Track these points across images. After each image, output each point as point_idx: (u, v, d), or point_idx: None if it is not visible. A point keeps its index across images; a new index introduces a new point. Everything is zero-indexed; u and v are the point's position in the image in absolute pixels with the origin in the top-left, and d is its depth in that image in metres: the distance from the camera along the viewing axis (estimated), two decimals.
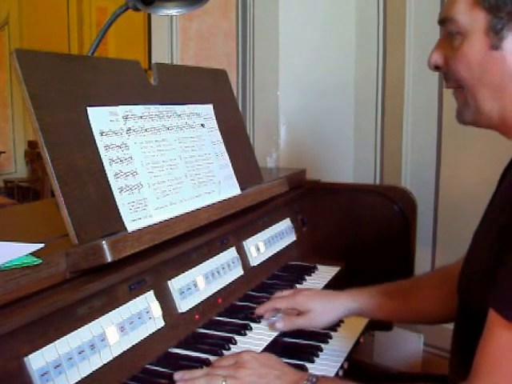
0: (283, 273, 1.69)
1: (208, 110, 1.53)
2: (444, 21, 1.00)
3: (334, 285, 1.70)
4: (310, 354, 1.28)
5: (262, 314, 1.35)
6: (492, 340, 0.86)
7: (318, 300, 1.34)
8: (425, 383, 1.16)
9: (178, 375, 1.04)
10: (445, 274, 1.32)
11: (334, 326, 1.41)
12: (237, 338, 1.24)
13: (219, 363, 1.08)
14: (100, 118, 1.16)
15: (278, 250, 1.71)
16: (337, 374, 1.23)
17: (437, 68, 1.05)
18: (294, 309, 1.34)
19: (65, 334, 0.92)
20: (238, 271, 1.47)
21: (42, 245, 0.98)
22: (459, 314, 1.09)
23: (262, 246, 1.62)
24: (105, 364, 0.98)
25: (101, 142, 1.14)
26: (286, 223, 1.81)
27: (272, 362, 1.08)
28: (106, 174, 1.12)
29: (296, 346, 1.33)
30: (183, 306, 1.23)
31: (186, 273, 1.27)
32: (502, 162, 1.14)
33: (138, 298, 1.10)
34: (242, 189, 1.54)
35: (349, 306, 1.32)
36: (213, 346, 1.20)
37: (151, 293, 1.14)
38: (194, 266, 1.30)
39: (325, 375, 1.14)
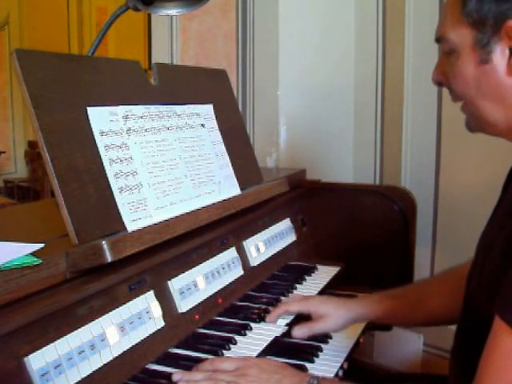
0: (283, 273, 1.69)
1: (208, 110, 1.53)
2: (438, 40, 1.02)
3: (333, 285, 1.70)
4: (310, 354, 1.28)
5: (274, 321, 1.35)
6: (496, 347, 0.85)
7: (330, 304, 1.35)
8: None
9: (176, 376, 1.04)
10: (454, 275, 1.32)
11: None
12: (237, 338, 1.24)
13: (219, 365, 1.08)
14: (100, 117, 1.16)
15: (277, 250, 1.71)
16: (336, 374, 1.23)
17: (440, 84, 1.07)
18: (307, 312, 1.35)
19: (65, 334, 0.92)
20: (238, 271, 1.47)
21: (42, 245, 0.98)
22: (463, 318, 1.09)
23: (262, 246, 1.62)
24: (105, 364, 0.98)
25: (101, 142, 1.14)
26: (286, 223, 1.81)
27: (272, 367, 1.08)
28: (106, 174, 1.12)
29: (296, 346, 1.33)
30: (183, 305, 1.23)
31: (186, 273, 1.27)
32: (501, 162, 1.14)
33: (137, 298, 1.10)
34: (242, 189, 1.54)
35: (359, 312, 1.34)
36: (213, 346, 1.20)
37: (151, 293, 1.14)
38: (194, 266, 1.30)
39: (325, 376, 1.14)
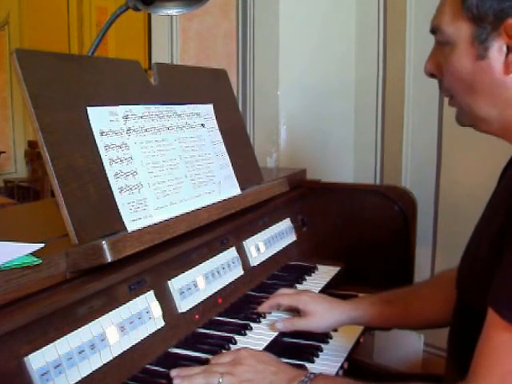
0: (283, 273, 1.69)
1: (208, 110, 1.53)
2: (434, 30, 1.01)
3: (333, 285, 1.70)
4: (310, 354, 1.28)
5: (266, 312, 1.36)
6: (490, 340, 0.86)
7: (320, 303, 1.34)
8: (424, 383, 1.17)
9: (174, 372, 1.05)
10: (446, 278, 1.31)
11: None
12: (237, 338, 1.24)
13: (217, 360, 1.09)
14: (100, 117, 1.16)
15: (277, 250, 1.71)
16: (337, 374, 1.23)
17: (433, 75, 1.06)
18: (296, 307, 1.35)
19: (65, 334, 0.92)
20: (238, 271, 1.47)
21: (41, 245, 0.98)
22: (457, 311, 1.09)
23: (262, 245, 1.62)
24: (105, 364, 0.98)
25: (101, 142, 1.14)
26: (286, 223, 1.81)
27: (269, 359, 1.09)
28: (106, 174, 1.12)
29: (296, 346, 1.33)
30: (183, 306, 1.23)
31: (186, 273, 1.27)
32: (501, 162, 1.14)
33: (137, 298, 1.10)
34: (242, 189, 1.54)
35: (350, 314, 1.33)
36: (213, 345, 1.20)
37: (151, 293, 1.14)
38: (194, 266, 1.30)
39: (322, 373, 1.14)
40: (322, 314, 1.32)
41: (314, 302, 1.34)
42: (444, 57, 0.99)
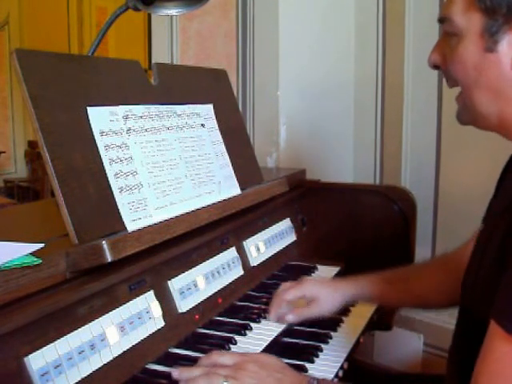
0: (283, 273, 1.69)
1: (208, 110, 1.53)
2: (442, 20, 0.99)
3: None
4: (310, 354, 1.28)
5: (275, 316, 1.36)
6: (492, 352, 0.84)
7: (323, 287, 1.38)
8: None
9: (175, 372, 1.04)
10: (445, 259, 1.35)
11: (334, 326, 1.42)
12: (237, 338, 1.24)
13: (217, 359, 1.07)
14: (100, 117, 1.16)
15: (278, 250, 1.71)
16: (337, 374, 1.23)
17: (436, 67, 1.04)
18: (303, 296, 1.37)
19: (65, 334, 0.92)
20: (238, 271, 1.47)
21: (41, 245, 0.98)
22: (460, 321, 1.08)
23: (262, 245, 1.62)
24: (105, 364, 0.98)
25: (101, 142, 1.14)
26: (286, 223, 1.81)
27: (273, 365, 1.06)
28: (106, 174, 1.12)
29: (296, 346, 1.33)
30: (183, 305, 1.23)
31: (186, 273, 1.27)
32: (501, 161, 1.14)
33: (137, 298, 1.10)
34: (242, 189, 1.54)
35: (353, 292, 1.38)
36: (213, 346, 1.20)
37: (151, 293, 1.14)
38: (193, 266, 1.30)
39: (325, 378, 1.14)
40: (327, 297, 1.36)
41: (317, 287, 1.38)
42: (450, 48, 0.97)
